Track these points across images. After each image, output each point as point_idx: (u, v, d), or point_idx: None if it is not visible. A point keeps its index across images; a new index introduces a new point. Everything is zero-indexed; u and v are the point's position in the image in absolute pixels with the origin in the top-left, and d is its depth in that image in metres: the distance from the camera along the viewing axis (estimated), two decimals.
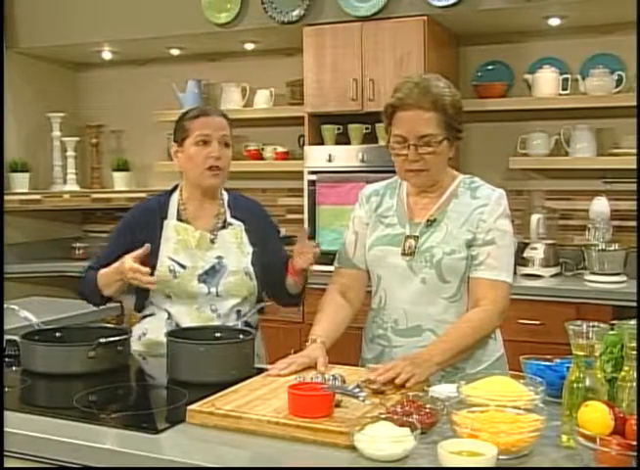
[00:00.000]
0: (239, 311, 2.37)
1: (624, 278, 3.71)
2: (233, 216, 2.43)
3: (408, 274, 2.11)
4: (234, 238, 2.40)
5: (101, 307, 2.54)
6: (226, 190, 2.49)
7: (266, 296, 2.50)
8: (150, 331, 2.37)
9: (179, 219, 2.39)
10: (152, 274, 2.22)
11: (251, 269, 2.38)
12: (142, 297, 2.41)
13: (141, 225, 2.37)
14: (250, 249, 2.40)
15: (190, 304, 2.33)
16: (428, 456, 1.45)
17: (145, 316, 2.42)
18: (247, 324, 2.36)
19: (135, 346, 2.34)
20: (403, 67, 3.81)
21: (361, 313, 2.26)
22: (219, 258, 2.36)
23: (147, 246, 2.22)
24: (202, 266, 2.33)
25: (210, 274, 2.34)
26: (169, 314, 2.34)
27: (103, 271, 2.32)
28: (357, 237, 2.25)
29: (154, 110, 4.76)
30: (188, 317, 2.32)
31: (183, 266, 2.32)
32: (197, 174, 2.35)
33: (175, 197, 2.43)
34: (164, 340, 2.14)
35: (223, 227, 2.40)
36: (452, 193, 2.15)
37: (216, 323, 2.31)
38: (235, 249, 2.38)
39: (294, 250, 2.33)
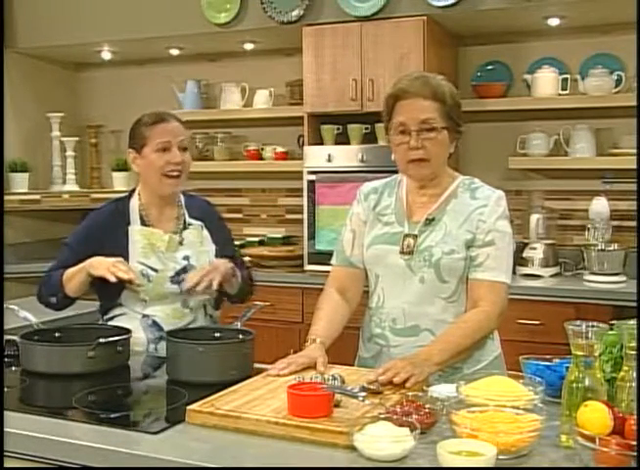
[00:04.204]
0: (205, 306, 2.45)
1: (624, 278, 3.71)
2: (192, 217, 2.48)
3: (407, 273, 2.11)
4: (196, 237, 2.45)
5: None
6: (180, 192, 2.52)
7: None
8: None
9: (143, 224, 2.42)
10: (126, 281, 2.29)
11: None
12: (109, 299, 2.42)
13: (107, 232, 2.39)
14: (212, 246, 2.46)
15: (163, 302, 2.38)
16: (427, 456, 1.45)
17: (112, 318, 2.42)
18: (210, 318, 2.47)
19: None
20: (403, 67, 3.80)
21: (358, 312, 2.26)
22: (186, 258, 2.40)
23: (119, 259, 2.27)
24: (172, 268, 2.38)
25: (182, 275, 2.38)
26: (144, 314, 2.38)
27: (69, 269, 2.34)
28: (355, 235, 2.24)
29: (153, 110, 4.73)
30: (163, 313, 2.37)
31: (155, 270, 2.36)
32: (156, 181, 2.39)
33: (134, 202, 2.45)
34: (143, 336, 2.32)
35: (185, 228, 2.45)
36: (452, 193, 2.15)
37: (189, 317, 2.39)
38: (199, 247, 2.44)
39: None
